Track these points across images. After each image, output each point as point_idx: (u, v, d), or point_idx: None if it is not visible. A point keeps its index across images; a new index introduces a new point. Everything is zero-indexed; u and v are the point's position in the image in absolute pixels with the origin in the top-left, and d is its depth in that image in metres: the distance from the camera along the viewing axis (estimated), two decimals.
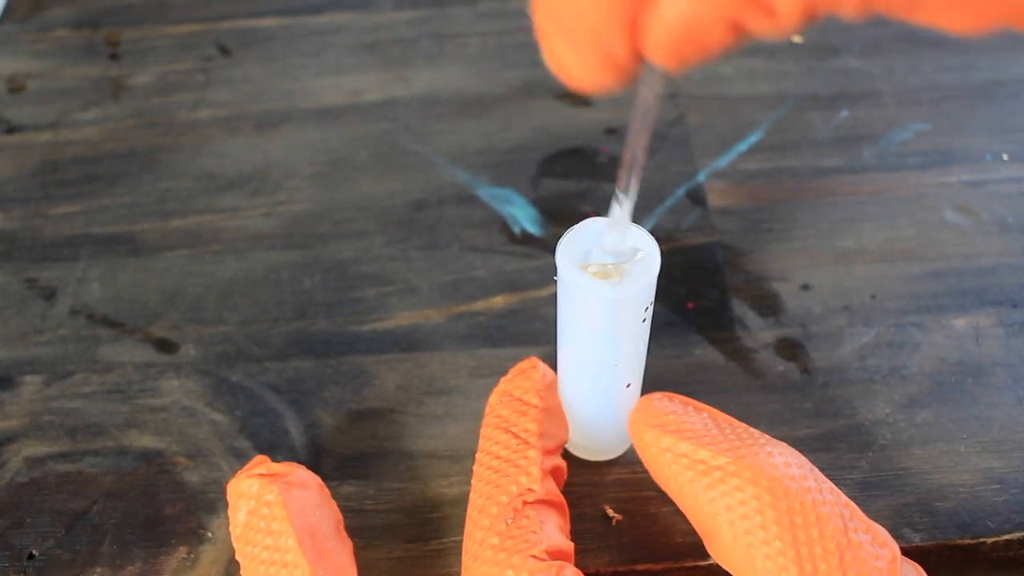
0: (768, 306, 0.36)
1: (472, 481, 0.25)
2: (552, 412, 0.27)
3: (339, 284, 0.37)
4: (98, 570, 0.29)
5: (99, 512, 0.31)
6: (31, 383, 0.35)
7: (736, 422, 0.25)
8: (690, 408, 0.26)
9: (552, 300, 0.36)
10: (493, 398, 0.27)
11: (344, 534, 0.26)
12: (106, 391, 0.34)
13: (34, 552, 0.30)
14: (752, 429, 0.25)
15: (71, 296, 0.37)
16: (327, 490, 0.27)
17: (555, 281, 0.26)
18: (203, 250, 0.39)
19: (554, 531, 0.23)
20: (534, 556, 0.22)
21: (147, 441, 0.33)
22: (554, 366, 0.29)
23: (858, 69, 0.46)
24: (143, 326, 0.36)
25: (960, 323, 0.35)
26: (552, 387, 0.28)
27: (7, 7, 0.51)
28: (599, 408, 0.29)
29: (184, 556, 0.30)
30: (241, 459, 0.32)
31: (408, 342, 0.35)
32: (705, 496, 0.23)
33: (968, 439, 0.32)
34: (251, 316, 0.36)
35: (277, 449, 0.32)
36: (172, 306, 0.37)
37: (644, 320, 0.26)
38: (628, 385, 0.28)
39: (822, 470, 0.31)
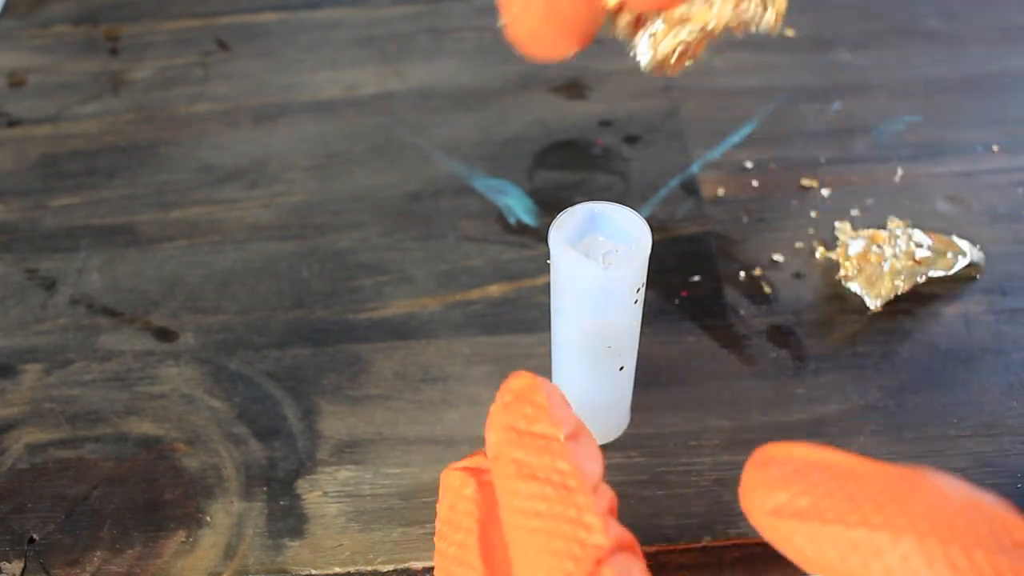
0: (761, 294, 0.36)
1: (513, 555, 0.20)
2: (579, 437, 0.21)
3: (336, 274, 0.38)
4: (98, 554, 0.30)
5: (99, 497, 0.31)
6: (32, 371, 0.35)
7: (867, 468, 0.19)
8: (804, 469, 0.19)
9: (546, 289, 0.37)
10: (494, 436, 0.21)
11: None
12: (106, 379, 0.35)
13: (35, 536, 0.30)
14: (889, 470, 0.19)
15: (71, 286, 0.38)
16: None
17: (549, 269, 0.26)
18: (202, 241, 0.39)
19: None
20: None
21: (146, 428, 0.33)
22: (549, 352, 0.30)
23: (850, 62, 0.46)
24: (142, 315, 0.37)
25: (951, 311, 0.36)
26: (565, 402, 0.21)
27: (8, 3, 0.52)
28: (593, 392, 0.29)
29: (183, 540, 0.30)
30: (239, 445, 0.32)
31: (404, 330, 0.36)
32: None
33: (959, 424, 0.32)
34: (249, 305, 0.37)
35: (275, 435, 0.33)
36: (171, 295, 0.37)
37: (636, 302, 0.26)
38: (621, 368, 0.28)
39: None
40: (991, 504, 0.18)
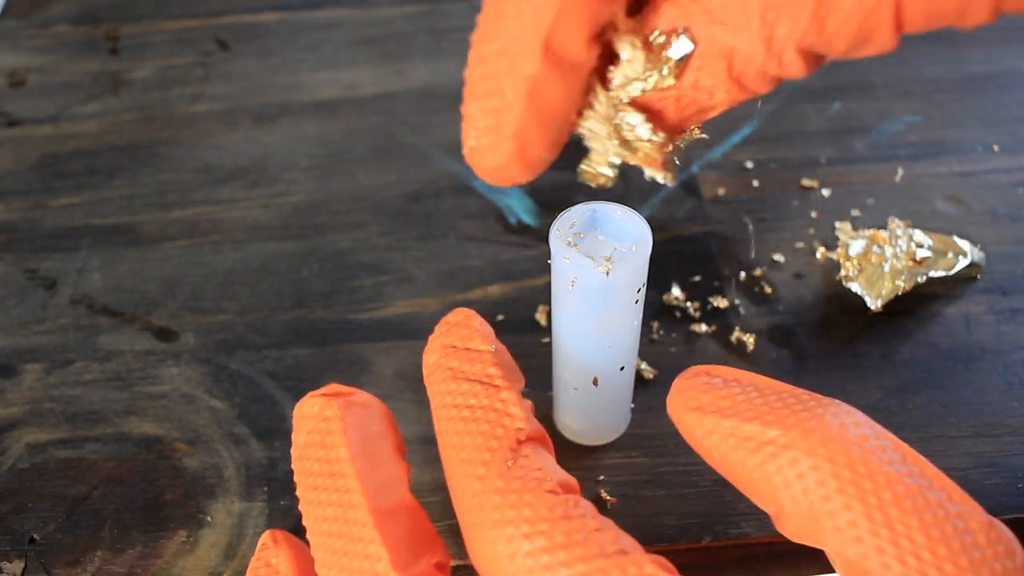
0: (761, 294, 0.36)
1: (441, 441, 0.23)
2: (504, 356, 0.24)
3: (336, 274, 0.38)
4: (98, 554, 0.30)
5: (99, 497, 0.31)
6: (32, 371, 0.35)
7: (784, 387, 0.23)
8: (731, 381, 0.23)
9: (547, 289, 0.37)
10: (431, 356, 0.24)
11: (400, 458, 0.25)
12: (106, 379, 0.35)
13: (35, 536, 0.30)
14: (802, 392, 0.22)
15: (71, 286, 0.38)
16: (390, 414, 0.25)
17: (550, 269, 0.26)
18: (202, 241, 0.39)
19: (555, 466, 0.21)
20: (549, 491, 0.20)
21: (147, 427, 0.33)
22: (549, 351, 0.30)
23: (850, 62, 0.46)
24: (143, 315, 0.37)
25: (951, 311, 0.36)
26: (492, 335, 0.25)
27: (8, 3, 0.52)
28: (594, 391, 0.29)
29: (183, 540, 0.30)
30: (240, 445, 0.32)
31: (405, 330, 0.36)
32: (760, 474, 0.21)
33: (959, 424, 0.32)
34: (250, 305, 0.37)
35: (275, 435, 0.33)
36: (171, 295, 0.37)
37: (637, 302, 0.26)
38: (622, 368, 0.28)
39: None
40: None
